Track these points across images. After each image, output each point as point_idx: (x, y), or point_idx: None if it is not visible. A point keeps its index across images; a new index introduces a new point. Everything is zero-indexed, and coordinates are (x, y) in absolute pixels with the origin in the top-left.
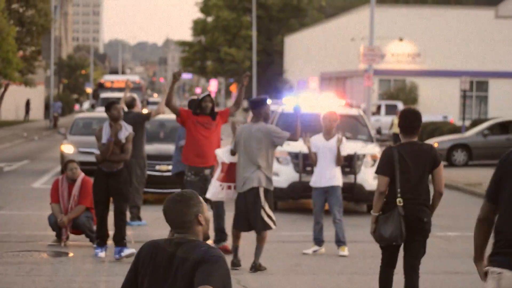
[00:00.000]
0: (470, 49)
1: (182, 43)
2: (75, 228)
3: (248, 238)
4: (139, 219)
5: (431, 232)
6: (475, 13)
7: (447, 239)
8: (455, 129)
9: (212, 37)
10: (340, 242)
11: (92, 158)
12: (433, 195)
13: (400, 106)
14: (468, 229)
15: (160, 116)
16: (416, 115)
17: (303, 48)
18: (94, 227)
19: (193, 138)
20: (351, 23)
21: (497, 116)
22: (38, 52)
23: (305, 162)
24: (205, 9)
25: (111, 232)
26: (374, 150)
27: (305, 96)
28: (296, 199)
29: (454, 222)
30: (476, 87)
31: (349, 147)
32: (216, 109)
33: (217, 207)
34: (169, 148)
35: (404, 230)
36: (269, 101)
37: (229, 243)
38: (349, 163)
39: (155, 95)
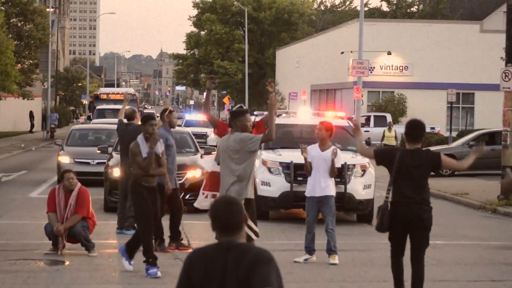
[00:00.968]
0: (456, 62)
1: (176, 56)
2: (71, 237)
3: None
4: (135, 228)
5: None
6: (461, 28)
7: (434, 247)
8: (442, 140)
9: (205, 50)
10: (331, 251)
11: (87, 169)
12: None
13: (389, 117)
14: (455, 237)
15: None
16: (420, 125)
17: (294, 61)
18: (90, 236)
19: None
20: (341, 37)
21: (483, 127)
22: (36, 65)
23: (296, 172)
24: (198, 23)
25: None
26: (364, 160)
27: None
28: (288, 208)
29: (441, 231)
30: (462, 99)
31: (340, 158)
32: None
33: None
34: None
35: (386, 224)
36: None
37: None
38: (339, 173)
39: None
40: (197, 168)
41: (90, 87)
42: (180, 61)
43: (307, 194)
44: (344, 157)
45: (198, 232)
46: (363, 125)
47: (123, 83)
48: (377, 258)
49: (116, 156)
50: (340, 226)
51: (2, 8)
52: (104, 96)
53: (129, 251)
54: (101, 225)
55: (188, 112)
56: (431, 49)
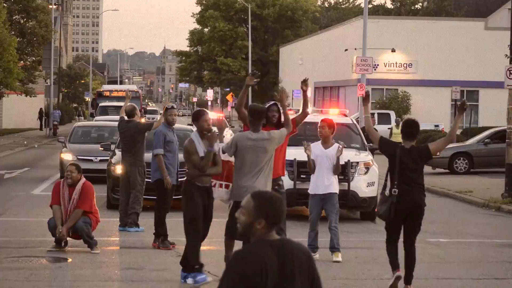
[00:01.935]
0: (460, 60)
1: (179, 53)
2: (74, 233)
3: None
4: (137, 225)
5: (424, 238)
6: (465, 25)
7: (438, 245)
8: None
9: (209, 47)
10: (334, 248)
11: (90, 166)
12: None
13: (393, 115)
14: (460, 235)
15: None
16: (416, 124)
17: (298, 59)
18: (93, 233)
19: None
20: (345, 34)
21: (487, 125)
22: (38, 62)
23: (299, 170)
24: (201, 20)
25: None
26: (367, 158)
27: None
28: (291, 206)
29: (445, 229)
30: (467, 96)
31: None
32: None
33: None
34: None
35: (393, 213)
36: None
37: None
38: (342, 171)
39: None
40: None
41: (93, 84)
42: (183, 58)
43: (310, 191)
44: (348, 155)
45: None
46: None
47: (126, 80)
48: (380, 255)
49: (119, 153)
50: (344, 224)
51: (5, 5)
52: (107, 93)
53: (186, 267)
54: (103, 222)
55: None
56: (436, 46)
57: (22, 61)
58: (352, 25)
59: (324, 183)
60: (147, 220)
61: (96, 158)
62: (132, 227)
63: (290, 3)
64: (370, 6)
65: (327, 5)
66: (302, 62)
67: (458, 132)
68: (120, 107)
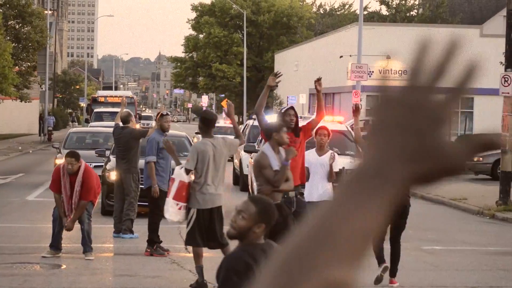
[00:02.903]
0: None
1: (174, 59)
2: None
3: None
4: (131, 232)
5: (418, 245)
6: (460, 32)
7: (432, 253)
8: None
9: (204, 53)
10: None
11: None
12: None
13: None
14: (454, 243)
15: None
16: None
17: (293, 65)
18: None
19: None
20: (340, 41)
21: (482, 132)
22: (33, 68)
23: None
24: (196, 26)
25: None
26: None
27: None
28: None
29: (439, 236)
30: (461, 103)
31: (338, 162)
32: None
33: None
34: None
35: None
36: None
37: None
38: (337, 178)
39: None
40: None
41: (88, 89)
42: (179, 64)
43: (305, 199)
44: (342, 162)
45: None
46: (362, 129)
47: (121, 86)
48: (373, 263)
49: (114, 160)
50: None
51: (0, 10)
52: (102, 99)
53: None
54: (97, 228)
55: None
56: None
57: (17, 67)
58: (347, 31)
59: (318, 190)
60: (141, 227)
61: (90, 164)
62: (126, 233)
63: (285, 10)
64: (365, 12)
65: (322, 12)
66: (297, 68)
67: (453, 139)
68: (115, 113)
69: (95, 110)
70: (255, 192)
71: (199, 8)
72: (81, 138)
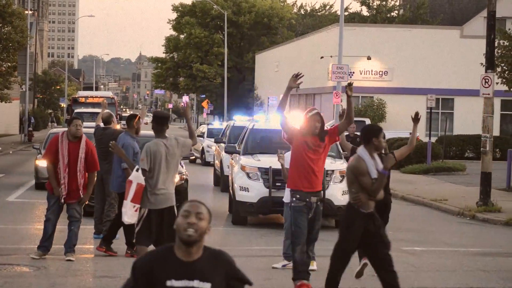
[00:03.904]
0: (436, 68)
1: (155, 60)
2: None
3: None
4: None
5: (399, 246)
6: (441, 33)
7: (413, 254)
8: (422, 146)
9: (185, 54)
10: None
11: None
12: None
13: (368, 122)
14: (434, 244)
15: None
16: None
17: (274, 65)
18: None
19: (300, 161)
20: (321, 42)
21: (462, 133)
22: (14, 68)
23: (275, 178)
24: (177, 27)
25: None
26: (343, 166)
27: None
28: (266, 214)
29: (420, 237)
30: (442, 104)
31: None
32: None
33: None
34: None
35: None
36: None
37: None
38: None
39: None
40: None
41: (69, 90)
42: (159, 64)
43: (285, 199)
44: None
45: None
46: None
47: (102, 86)
48: (355, 264)
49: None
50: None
51: None
52: (83, 100)
53: None
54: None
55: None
56: (411, 54)
57: None
58: (328, 32)
59: None
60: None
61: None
62: None
63: (266, 10)
64: (346, 13)
65: (303, 12)
66: (278, 69)
67: (433, 139)
68: (96, 113)
69: (76, 110)
70: (348, 199)
71: (180, 8)
72: None
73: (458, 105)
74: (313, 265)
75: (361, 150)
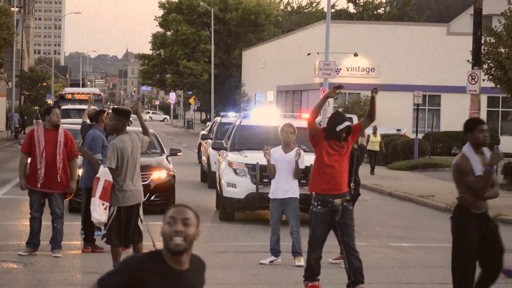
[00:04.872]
0: (423, 64)
1: (142, 56)
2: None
3: None
4: (99, 229)
5: (386, 242)
6: (427, 30)
7: (400, 250)
8: (408, 142)
9: (171, 50)
10: (296, 252)
11: None
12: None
13: (355, 119)
14: (421, 240)
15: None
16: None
17: (260, 62)
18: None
19: (323, 163)
20: (308, 38)
21: (449, 129)
22: (0, 65)
23: (262, 174)
24: (164, 24)
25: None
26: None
27: (261, 110)
28: (253, 210)
29: (407, 233)
30: (429, 101)
31: (305, 160)
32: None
33: None
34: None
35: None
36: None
37: None
38: (305, 175)
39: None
40: (162, 169)
41: (55, 86)
42: (146, 61)
43: (270, 195)
44: (310, 159)
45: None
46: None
47: (88, 83)
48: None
49: (80, 157)
50: (305, 228)
51: None
52: (69, 96)
53: None
54: (65, 226)
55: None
56: (398, 51)
57: None
58: (314, 29)
59: (283, 187)
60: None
61: None
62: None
63: (253, 7)
64: (333, 10)
65: (290, 9)
66: (264, 66)
67: (420, 136)
68: (82, 110)
69: (62, 107)
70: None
71: (167, 5)
72: None
73: (445, 102)
74: (300, 261)
75: (466, 147)
